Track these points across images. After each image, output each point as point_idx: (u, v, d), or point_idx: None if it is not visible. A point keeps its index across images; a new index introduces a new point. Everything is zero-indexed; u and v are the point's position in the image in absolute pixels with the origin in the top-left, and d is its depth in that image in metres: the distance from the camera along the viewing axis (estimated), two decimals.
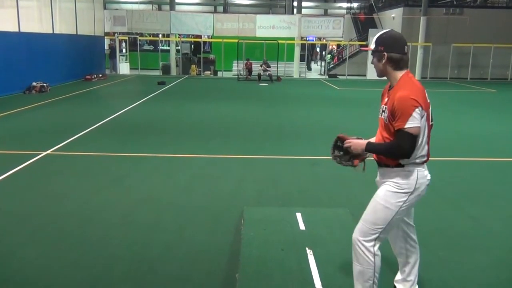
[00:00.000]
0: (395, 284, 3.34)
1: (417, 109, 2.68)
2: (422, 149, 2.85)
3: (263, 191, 5.94)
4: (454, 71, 25.99)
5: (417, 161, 2.85)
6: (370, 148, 2.91)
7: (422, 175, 2.87)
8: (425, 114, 2.76)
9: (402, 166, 2.84)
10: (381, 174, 2.98)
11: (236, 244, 4.24)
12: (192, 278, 3.72)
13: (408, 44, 2.93)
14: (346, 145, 3.01)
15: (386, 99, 2.90)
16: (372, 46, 2.88)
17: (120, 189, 5.95)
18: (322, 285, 3.45)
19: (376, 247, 2.89)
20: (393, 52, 2.81)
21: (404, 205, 2.85)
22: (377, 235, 2.87)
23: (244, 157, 7.75)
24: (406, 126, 2.67)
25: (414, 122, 2.67)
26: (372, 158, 3.06)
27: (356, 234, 2.94)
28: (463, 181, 6.61)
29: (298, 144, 8.70)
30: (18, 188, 5.91)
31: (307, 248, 4.00)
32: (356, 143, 2.94)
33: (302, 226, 4.54)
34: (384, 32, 2.89)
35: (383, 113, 2.89)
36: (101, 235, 4.50)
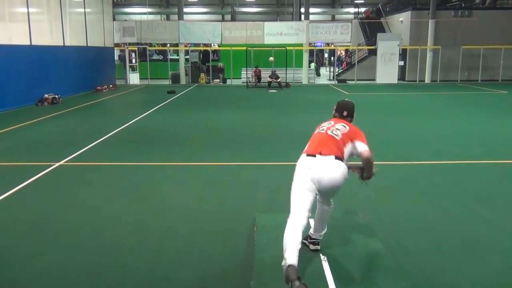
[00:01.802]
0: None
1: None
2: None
3: (275, 197, 5.94)
4: (464, 74, 25.80)
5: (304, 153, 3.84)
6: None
7: (303, 159, 3.76)
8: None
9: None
10: None
11: (249, 251, 4.24)
12: (206, 285, 3.72)
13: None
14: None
15: None
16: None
17: (132, 198, 5.99)
18: None
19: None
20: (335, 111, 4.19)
21: (294, 182, 3.80)
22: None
23: (255, 164, 7.76)
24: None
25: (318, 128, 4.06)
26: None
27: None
28: (477, 184, 6.55)
29: None
30: (32, 199, 5.97)
31: (321, 255, 3.99)
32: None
33: None
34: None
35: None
36: (114, 244, 4.52)
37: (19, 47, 15.08)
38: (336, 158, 3.62)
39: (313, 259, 3.92)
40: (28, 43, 15.68)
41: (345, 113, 4.06)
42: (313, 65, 29.83)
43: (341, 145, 3.71)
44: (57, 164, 7.61)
